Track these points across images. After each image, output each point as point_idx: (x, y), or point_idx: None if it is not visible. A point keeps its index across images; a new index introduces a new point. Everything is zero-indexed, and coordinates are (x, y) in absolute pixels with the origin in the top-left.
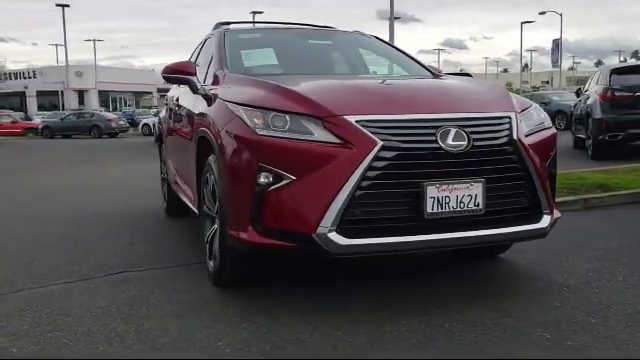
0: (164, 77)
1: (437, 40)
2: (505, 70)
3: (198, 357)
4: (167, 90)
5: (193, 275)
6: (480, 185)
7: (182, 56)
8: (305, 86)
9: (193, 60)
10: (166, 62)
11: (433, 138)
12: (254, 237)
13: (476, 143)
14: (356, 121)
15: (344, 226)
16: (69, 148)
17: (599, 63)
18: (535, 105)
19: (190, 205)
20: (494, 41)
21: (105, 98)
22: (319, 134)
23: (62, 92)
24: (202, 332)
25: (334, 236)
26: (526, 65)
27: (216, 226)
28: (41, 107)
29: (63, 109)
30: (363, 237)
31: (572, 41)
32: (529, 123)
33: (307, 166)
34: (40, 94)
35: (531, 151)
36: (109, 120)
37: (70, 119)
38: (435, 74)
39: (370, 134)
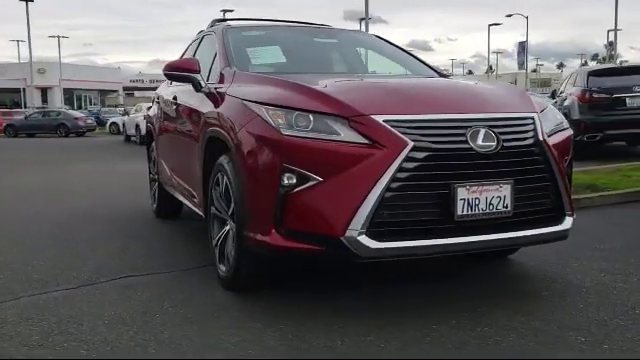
0: (166, 74)
1: (403, 41)
2: (470, 72)
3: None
4: (134, 89)
5: (199, 279)
6: (509, 186)
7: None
8: (327, 85)
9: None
10: (131, 60)
11: (464, 138)
12: (278, 240)
13: (505, 144)
14: (384, 121)
15: (373, 229)
16: (38, 147)
17: (561, 65)
18: (551, 106)
19: (191, 207)
20: (458, 43)
21: (70, 96)
22: (346, 134)
23: (24, 89)
24: (227, 340)
25: (364, 239)
26: (490, 67)
27: (228, 228)
28: (1, 105)
29: (25, 107)
30: (393, 240)
31: (534, 44)
32: (548, 124)
33: (334, 167)
34: (0, 91)
35: (555, 152)
36: (76, 119)
37: (35, 117)
38: (443, 74)
39: (400, 134)
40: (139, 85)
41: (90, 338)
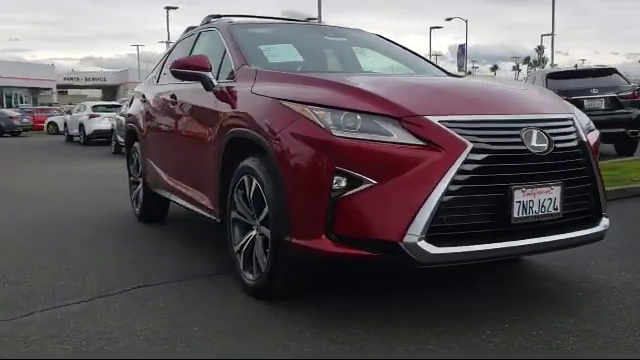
0: (173, 72)
1: None
2: None
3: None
4: (68, 87)
5: (216, 287)
6: (559, 188)
7: (79, 52)
8: (371, 84)
9: (178, 55)
10: (62, 57)
11: (519, 140)
12: (328, 246)
13: (556, 145)
14: (439, 121)
15: (432, 234)
16: None
17: (495, 68)
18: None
19: (199, 211)
20: None
21: None
22: (399, 135)
23: None
24: (287, 352)
25: (423, 244)
26: None
27: (254, 233)
28: None
29: None
30: (451, 245)
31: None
32: (583, 124)
33: (390, 169)
34: None
35: (594, 152)
36: (12, 118)
37: None
38: (452, 74)
39: (458, 135)
40: (74, 83)
41: (137, 357)
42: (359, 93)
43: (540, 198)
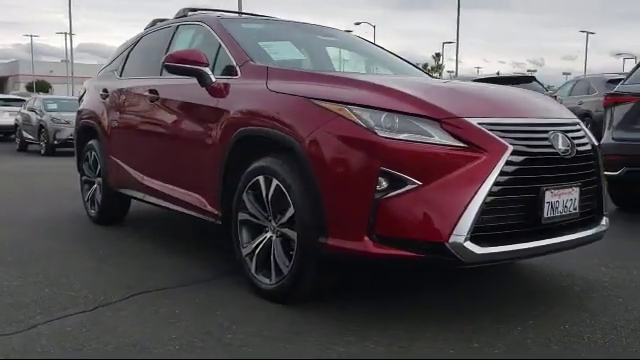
0: (167, 66)
1: None
2: None
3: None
4: None
5: (224, 291)
6: (578, 189)
7: None
8: (405, 86)
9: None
10: None
11: (549, 143)
12: (371, 248)
13: (577, 148)
14: (478, 123)
15: (475, 234)
16: None
17: None
18: None
19: (189, 212)
20: None
21: None
22: (439, 137)
23: None
24: (337, 356)
25: (469, 245)
26: None
27: (269, 235)
28: None
29: None
30: (492, 245)
31: None
32: None
33: (434, 170)
34: None
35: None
36: None
37: None
38: (432, 76)
39: (499, 138)
40: None
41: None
42: (396, 94)
43: (564, 199)
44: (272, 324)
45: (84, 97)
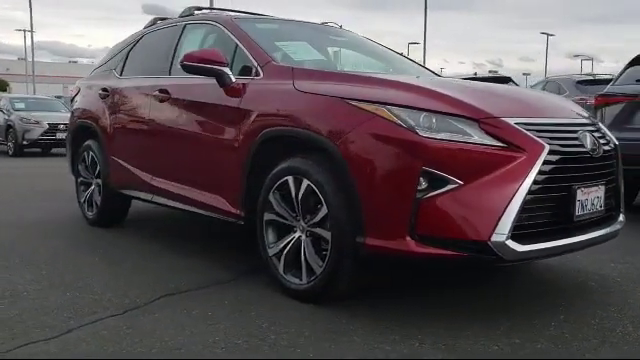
0: (185, 66)
1: None
2: None
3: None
4: None
5: (251, 292)
6: (603, 187)
7: None
8: (439, 86)
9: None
10: None
11: (579, 142)
12: (413, 247)
13: (603, 147)
14: (515, 123)
15: (515, 232)
16: None
17: None
18: None
19: (204, 212)
20: None
21: None
22: (478, 137)
23: None
24: (390, 355)
25: (510, 243)
26: None
27: (297, 235)
28: None
29: None
30: (531, 243)
31: None
32: None
33: (475, 170)
34: None
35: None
36: None
37: None
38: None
39: (536, 137)
40: None
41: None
42: (433, 94)
43: (592, 197)
44: (311, 324)
45: (77, 97)
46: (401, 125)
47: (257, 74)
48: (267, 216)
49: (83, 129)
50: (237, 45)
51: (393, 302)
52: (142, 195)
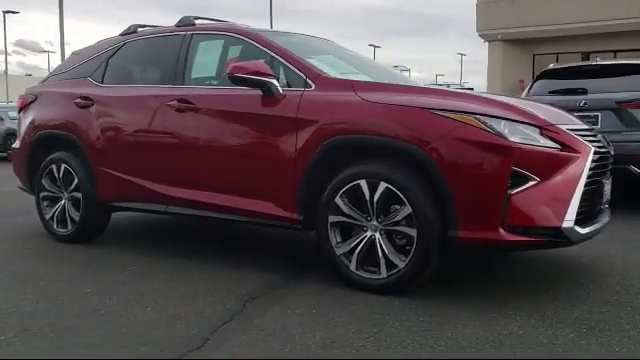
0: (234, 77)
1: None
2: None
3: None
4: None
5: (327, 290)
6: (610, 180)
7: None
8: (501, 97)
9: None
10: None
11: (602, 143)
12: (505, 236)
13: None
14: (567, 129)
15: (577, 217)
16: None
17: None
18: None
19: (249, 219)
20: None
21: None
22: (543, 141)
23: None
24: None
25: (577, 227)
26: None
27: (369, 234)
28: None
29: None
30: (586, 226)
31: None
32: None
33: (547, 168)
34: None
35: None
36: None
37: None
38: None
39: (585, 141)
40: None
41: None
42: (503, 105)
43: (607, 188)
44: (412, 314)
45: (33, 106)
46: (490, 131)
47: (307, 86)
48: (332, 218)
49: (48, 140)
50: (273, 58)
51: (457, 294)
52: (149, 206)
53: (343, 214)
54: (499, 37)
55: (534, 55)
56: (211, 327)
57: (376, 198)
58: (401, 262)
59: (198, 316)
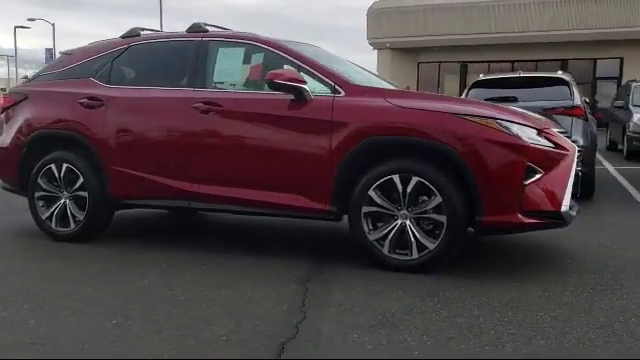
0: (273, 83)
1: None
2: None
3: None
4: None
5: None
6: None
7: None
8: (507, 107)
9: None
10: None
11: (577, 144)
12: (522, 219)
13: None
14: (557, 132)
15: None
16: None
17: None
18: None
19: (281, 212)
20: None
21: None
22: (542, 142)
23: None
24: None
25: (570, 211)
26: None
27: (400, 222)
28: None
29: None
30: (572, 209)
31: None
32: None
33: (549, 163)
34: None
35: None
36: None
37: None
38: None
39: (570, 141)
40: None
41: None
42: (509, 111)
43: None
44: (451, 287)
45: (23, 105)
46: (508, 133)
47: (337, 92)
48: (365, 209)
49: (48, 139)
50: (300, 66)
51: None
52: (167, 203)
53: (376, 204)
54: (387, 45)
55: (419, 63)
56: (297, 304)
57: (409, 190)
58: (431, 244)
59: (281, 296)
